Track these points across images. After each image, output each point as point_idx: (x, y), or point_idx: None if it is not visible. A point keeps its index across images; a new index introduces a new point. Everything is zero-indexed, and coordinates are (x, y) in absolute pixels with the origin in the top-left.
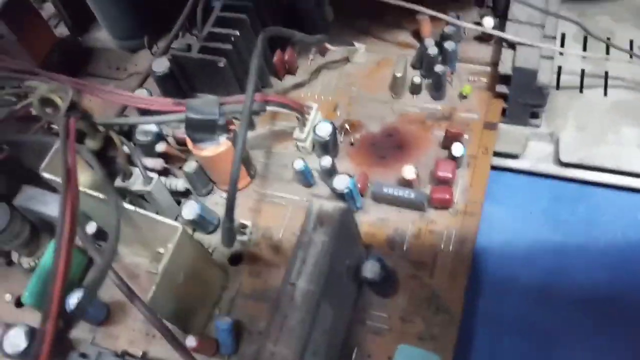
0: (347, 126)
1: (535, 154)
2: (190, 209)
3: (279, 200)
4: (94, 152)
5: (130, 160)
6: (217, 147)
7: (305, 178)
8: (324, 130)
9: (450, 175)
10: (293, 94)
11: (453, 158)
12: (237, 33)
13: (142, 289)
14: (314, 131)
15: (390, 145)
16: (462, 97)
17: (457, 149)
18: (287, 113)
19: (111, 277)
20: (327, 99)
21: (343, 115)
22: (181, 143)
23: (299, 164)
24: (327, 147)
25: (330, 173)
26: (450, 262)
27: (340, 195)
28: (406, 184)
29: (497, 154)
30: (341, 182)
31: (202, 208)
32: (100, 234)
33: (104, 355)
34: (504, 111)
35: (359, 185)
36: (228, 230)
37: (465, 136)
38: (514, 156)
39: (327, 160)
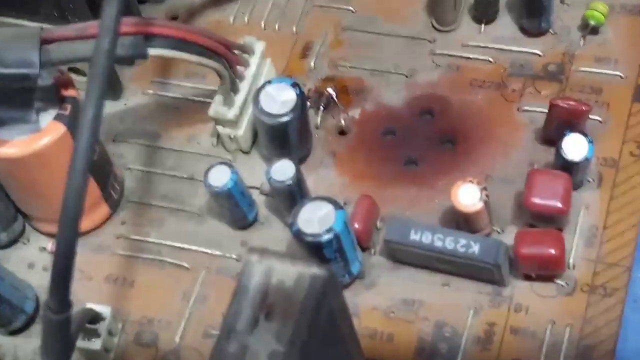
0: (331, 92)
1: None
2: None
3: (175, 256)
4: None
5: None
6: (33, 138)
7: (233, 206)
8: (279, 102)
9: (559, 205)
10: (211, 20)
11: (566, 165)
12: None
13: None
14: (259, 108)
15: (426, 136)
16: (588, 28)
17: (574, 145)
18: (195, 63)
19: None
20: (288, 30)
21: (324, 67)
22: None
23: (219, 176)
24: (287, 144)
25: (291, 195)
26: None
27: (313, 245)
28: (464, 222)
29: None
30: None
31: None
32: None
33: None
34: None
35: (356, 226)
36: (60, 326)
37: (595, 117)
38: None
39: (283, 168)
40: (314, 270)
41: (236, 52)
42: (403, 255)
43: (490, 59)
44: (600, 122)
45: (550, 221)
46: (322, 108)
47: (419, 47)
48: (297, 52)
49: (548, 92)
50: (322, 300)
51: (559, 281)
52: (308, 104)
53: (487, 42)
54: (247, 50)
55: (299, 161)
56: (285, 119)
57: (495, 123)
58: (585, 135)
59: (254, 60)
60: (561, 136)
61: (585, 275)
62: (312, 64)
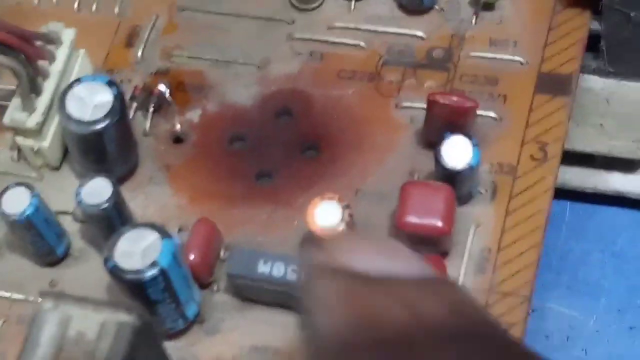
0: (163, 90)
1: None
2: None
3: None
4: None
5: None
6: None
7: (36, 238)
8: (92, 105)
9: (438, 224)
10: (10, 3)
11: (447, 175)
12: None
13: None
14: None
15: (283, 142)
16: (480, 3)
17: (455, 150)
18: None
19: None
20: (108, 12)
21: (154, 58)
22: None
23: (16, 201)
24: (104, 157)
25: (108, 222)
26: None
27: (134, 284)
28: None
29: (569, 160)
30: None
31: None
32: None
33: None
34: (592, 46)
35: (191, 258)
36: None
37: (488, 114)
38: (624, 164)
39: (97, 188)
40: (122, 317)
41: (37, 43)
42: (251, 292)
43: (362, 44)
44: (494, 119)
45: (431, 244)
46: (151, 110)
47: (274, 31)
48: (120, 40)
49: (432, 84)
50: (131, 355)
51: None
52: (134, 106)
53: (358, 23)
54: (51, 40)
55: (122, 178)
56: (99, 126)
57: (368, 124)
58: (469, 137)
59: (61, 53)
60: (441, 138)
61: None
62: (140, 54)
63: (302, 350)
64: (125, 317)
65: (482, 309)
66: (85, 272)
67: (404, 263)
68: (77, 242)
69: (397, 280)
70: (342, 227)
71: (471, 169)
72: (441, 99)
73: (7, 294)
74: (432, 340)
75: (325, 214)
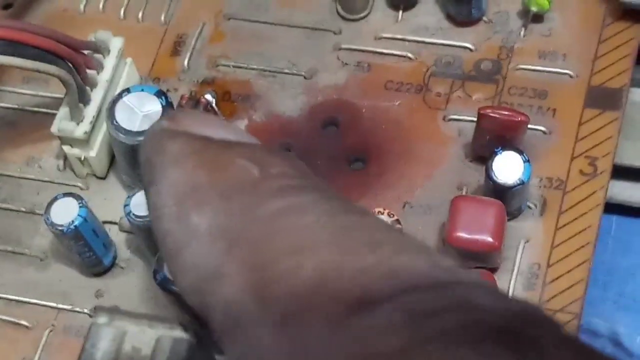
0: (210, 99)
1: None
2: None
3: (11, 312)
4: None
5: None
6: None
7: (84, 249)
8: (141, 116)
9: (489, 239)
10: (56, 9)
11: (497, 190)
12: None
13: None
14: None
15: (330, 154)
16: (530, 15)
17: (507, 165)
18: (30, 69)
19: None
20: (154, 20)
21: (200, 67)
22: None
23: (64, 212)
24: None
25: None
26: None
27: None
28: None
29: (617, 174)
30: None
31: None
32: None
33: None
34: None
35: None
36: None
37: (538, 127)
38: None
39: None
40: (177, 333)
41: (85, 52)
42: None
43: (410, 55)
44: (544, 132)
45: (480, 259)
46: None
47: (321, 41)
48: (166, 49)
49: (481, 97)
50: None
51: None
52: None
53: (405, 34)
54: (99, 49)
55: None
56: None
57: (415, 136)
58: (520, 152)
59: (109, 62)
60: (492, 153)
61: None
62: (186, 63)
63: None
64: (180, 333)
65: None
66: (131, 282)
67: (241, 134)
68: (123, 253)
69: (242, 143)
70: None
71: (522, 185)
72: (492, 113)
73: (54, 304)
74: (277, 190)
75: None
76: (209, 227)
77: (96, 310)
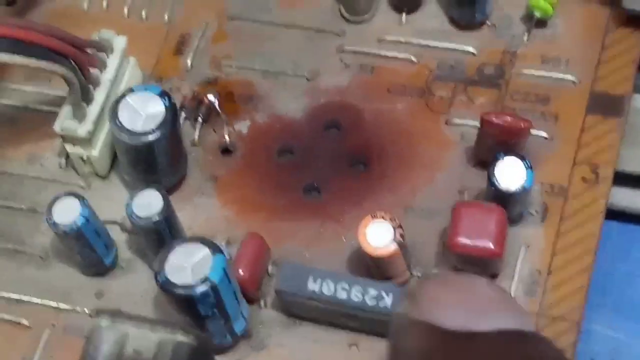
0: (213, 100)
1: None
2: None
3: (11, 311)
4: None
5: None
6: None
7: (85, 249)
8: (144, 116)
9: (490, 246)
10: (59, 6)
11: (499, 196)
12: None
13: None
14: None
15: (332, 156)
16: (533, 20)
17: (509, 171)
18: (34, 68)
19: None
20: (158, 19)
21: (203, 67)
22: None
23: (66, 211)
24: (154, 168)
25: (158, 235)
26: None
27: (184, 299)
28: (375, 267)
29: (617, 181)
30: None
31: None
32: None
33: None
34: None
35: (240, 273)
36: None
37: (540, 133)
38: None
39: (148, 200)
40: (178, 337)
41: (89, 50)
42: (299, 309)
43: (413, 58)
44: (546, 139)
45: (481, 265)
46: (200, 120)
47: (324, 42)
48: (169, 48)
49: (483, 101)
50: None
51: None
52: (183, 115)
53: (409, 37)
54: (103, 47)
55: (170, 189)
56: (150, 137)
57: (417, 140)
58: (522, 158)
59: (112, 61)
60: (494, 159)
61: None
62: (189, 62)
63: None
64: (182, 337)
65: None
66: (132, 283)
67: (487, 310)
68: (124, 253)
69: (474, 338)
70: (393, 247)
71: (524, 191)
72: (495, 119)
73: (54, 303)
74: None
75: (377, 234)
76: None
77: (98, 313)
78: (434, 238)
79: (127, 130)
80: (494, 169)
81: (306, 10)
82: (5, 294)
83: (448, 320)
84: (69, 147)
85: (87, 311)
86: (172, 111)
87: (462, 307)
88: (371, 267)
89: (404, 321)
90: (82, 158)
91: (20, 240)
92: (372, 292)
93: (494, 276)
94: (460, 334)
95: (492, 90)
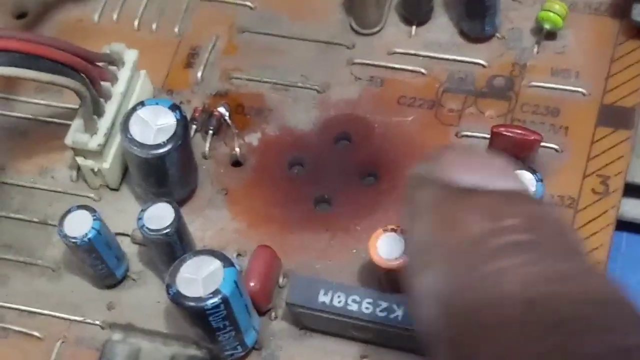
0: (223, 112)
1: None
2: None
3: (22, 323)
4: None
5: None
6: None
7: (96, 261)
8: (155, 129)
9: None
10: (70, 18)
11: None
12: None
13: None
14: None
15: (342, 168)
16: (543, 33)
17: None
18: (45, 82)
19: None
20: (168, 31)
21: (214, 80)
22: None
23: (78, 224)
24: (165, 181)
25: (169, 248)
26: None
27: (195, 312)
28: (385, 279)
29: (627, 192)
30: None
31: None
32: None
33: None
34: None
35: (252, 285)
36: None
37: (550, 145)
38: None
39: (159, 213)
40: (191, 351)
41: (100, 64)
42: (310, 321)
43: (423, 71)
44: (556, 150)
45: None
46: (211, 132)
47: (334, 55)
48: (180, 60)
49: (493, 113)
50: None
51: None
52: (194, 127)
53: (418, 49)
54: (114, 61)
55: (181, 202)
56: (161, 150)
57: (427, 152)
58: (533, 172)
59: (123, 74)
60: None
61: None
62: (199, 75)
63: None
64: (194, 351)
65: (563, 229)
66: (143, 295)
67: (496, 176)
68: (135, 265)
69: (483, 192)
70: (404, 259)
71: None
72: (505, 132)
73: (65, 315)
74: (499, 248)
75: (388, 246)
76: (429, 291)
77: (111, 327)
78: None
79: (138, 143)
80: None
81: (316, 23)
82: (17, 306)
83: (463, 179)
84: (80, 160)
85: (98, 323)
86: (183, 124)
87: (478, 172)
88: (382, 280)
89: (422, 176)
90: (93, 170)
91: (32, 253)
92: (383, 304)
93: None
94: (471, 189)
95: (502, 102)
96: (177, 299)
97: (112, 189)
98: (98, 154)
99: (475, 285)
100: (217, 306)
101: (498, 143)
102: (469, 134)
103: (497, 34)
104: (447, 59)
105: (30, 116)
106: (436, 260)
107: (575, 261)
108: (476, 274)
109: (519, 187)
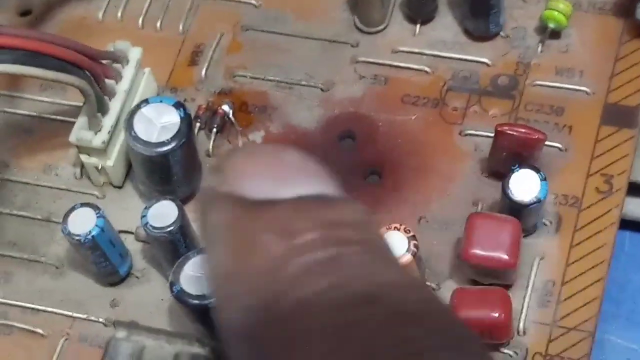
0: (227, 110)
1: None
2: None
3: (26, 320)
4: None
5: None
6: None
7: (100, 259)
8: (159, 127)
9: (504, 257)
10: (74, 16)
11: (514, 208)
12: None
13: None
14: (133, 135)
15: (346, 166)
16: (547, 32)
17: (524, 183)
18: (50, 80)
19: None
20: (172, 29)
21: (218, 78)
22: None
23: (82, 222)
24: (169, 179)
25: (173, 246)
26: None
27: (199, 310)
28: None
29: (631, 191)
30: None
31: None
32: None
33: None
34: None
35: None
36: None
37: (554, 144)
38: None
39: (163, 211)
40: (195, 349)
41: (104, 61)
42: None
43: (427, 69)
44: (560, 149)
45: (495, 276)
46: (215, 130)
47: (338, 53)
48: (184, 58)
49: (497, 112)
50: None
51: (505, 350)
52: (197, 125)
53: (423, 48)
54: (118, 58)
55: (185, 199)
56: (165, 148)
57: (431, 150)
58: (537, 170)
59: (127, 72)
60: (509, 171)
61: (538, 343)
62: (203, 73)
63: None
64: (198, 349)
65: (365, 230)
66: (147, 292)
67: (287, 180)
68: (139, 262)
69: (273, 204)
70: (407, 258)
71: (539, 203)
72: (509, 130)
73: (69, 313)
74: (300, 272)
75: (391, 245)
76: (236, 329)
77: (115, 324)
78: (448, 249)
79: (142, 141)
80: (508, 181)
81: (320, 21)
82: (21, 303)
83: (254, 191)
84: (84, 157)
85: (102, 320)
86: (187, 122)
87: (269, 177)
88: None
89: (211, 194)
90: (97, 168)
91: (36, 250)
92: None
93: (508, 287)
94: (264, 202)
95: (506, 101)
96: (180, 296)
97: (116, 187)
98: (102, 151)
99: (283, 317)
100: None
101: (502, 142)
102: (472, 132)
103: (502, 33)
104: (452, 58)
105: (35, 113)
106: (239, 292)
107: (384, 275)
108: (280, 306)
109: (313, 189)
